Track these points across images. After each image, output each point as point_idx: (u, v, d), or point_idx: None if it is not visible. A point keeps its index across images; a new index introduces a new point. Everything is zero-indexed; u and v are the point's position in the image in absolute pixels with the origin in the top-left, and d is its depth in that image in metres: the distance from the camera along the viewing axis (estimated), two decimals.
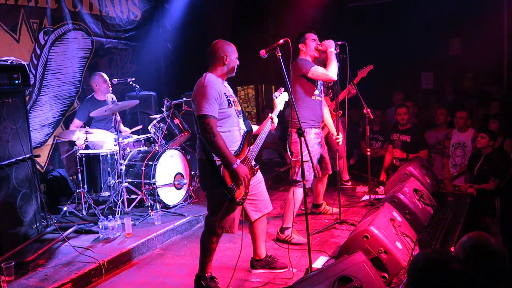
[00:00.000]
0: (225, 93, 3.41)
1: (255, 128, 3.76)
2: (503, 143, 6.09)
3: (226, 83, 3.55)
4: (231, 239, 4.57)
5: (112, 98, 5.71)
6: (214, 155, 3.33)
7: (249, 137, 3.54)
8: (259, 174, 3.67)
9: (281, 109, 3.89)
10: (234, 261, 3.74)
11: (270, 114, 3.74)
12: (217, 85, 3.38)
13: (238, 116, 3.51)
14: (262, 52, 3.64)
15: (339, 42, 4.65)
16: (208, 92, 3.29)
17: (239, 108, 3.56)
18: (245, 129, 3.56)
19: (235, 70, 3.57)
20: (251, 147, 3.54)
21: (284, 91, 3.91)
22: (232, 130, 3.45)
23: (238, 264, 3.75)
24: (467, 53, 8.82)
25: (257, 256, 3.93)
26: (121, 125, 6.18)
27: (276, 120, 3.74)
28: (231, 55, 3.49)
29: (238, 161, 3.33)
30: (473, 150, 6.17)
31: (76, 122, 5.82)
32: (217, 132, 3.27)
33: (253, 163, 3.56)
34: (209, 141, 3.26)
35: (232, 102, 3.44)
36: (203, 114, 3.26)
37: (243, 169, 3.35)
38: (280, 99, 3.89)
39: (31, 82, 5.48)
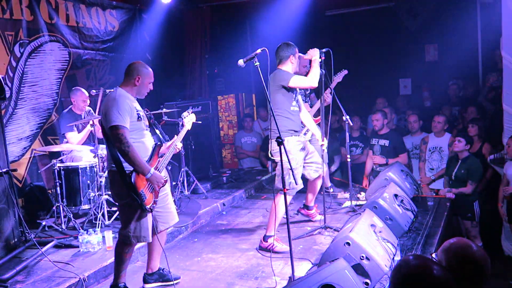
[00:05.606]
0: (135, 107, 3.55)
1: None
2: (481, 147, 6.20)
3: (135, 100, 3.65)
4: (213, 250, 4.55)
5: (90, 111, 5.65)
6: (123, 164, 3.41)
7: (159, 149, 3.68)
8: (166, 187, 3.75)
9: (189, 129, 4.12)
10: (216, 271, 3.72)
11: (175, 136, 3.90)
12: (128, 99, 3.51)
13: (146, 130, 3.66)
14: (240, 62, 3.68)
15: (324, 50, 4.69)
16: (121, 104, 3.41)
17: (147, 123, 3.71)
18: (156, 142, 3.70)
19: (145, 94, 3.69)
20: (161, 159, 3.69)
21: (192, 113, 4.16)
22: (142, 142, 3.57)
23: (217, 272, 3.71)
24: (443, 59, 9.00)
25: (150, 269, 3.92)
26: None
27: (180, 145, 3.93)
28: (144, 79, 3.60)
29: (152, 169, 3.44)
30: (450, 154, 6.26)
31: (70, 134, 5.55)
32: (131, 142, 3.37)
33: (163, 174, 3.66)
34: (123, 151, 3.34)
35: (141, 117, 3.58)
36: (117, 125, 3.35)
37: (157, 176, 3.47)
38: (188, 119, 4.14)
39: (7, 95, 5.37)
